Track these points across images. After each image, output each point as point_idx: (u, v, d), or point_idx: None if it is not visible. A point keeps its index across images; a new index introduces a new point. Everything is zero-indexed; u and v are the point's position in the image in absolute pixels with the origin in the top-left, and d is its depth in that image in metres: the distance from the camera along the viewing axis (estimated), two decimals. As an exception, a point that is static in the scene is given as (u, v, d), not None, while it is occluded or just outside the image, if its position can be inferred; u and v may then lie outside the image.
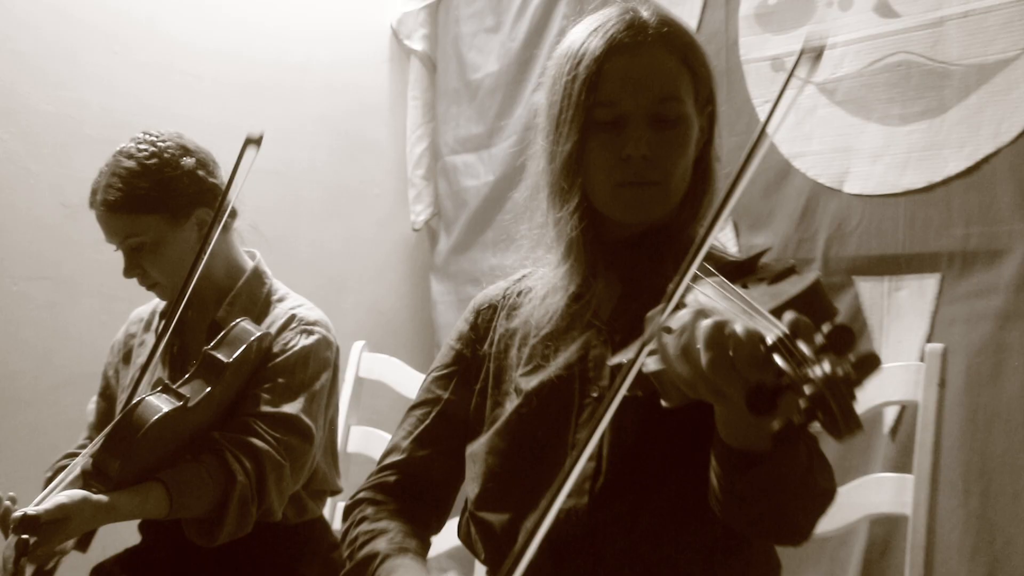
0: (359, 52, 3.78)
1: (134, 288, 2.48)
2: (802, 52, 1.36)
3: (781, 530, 1.49)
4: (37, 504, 1.98)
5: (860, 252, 2.65)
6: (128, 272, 2.30)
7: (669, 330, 1.33)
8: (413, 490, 1.75)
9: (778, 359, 1.09)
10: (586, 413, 1.59)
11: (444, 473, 1.77)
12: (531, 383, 1.65)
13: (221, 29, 3.41)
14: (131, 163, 2.23)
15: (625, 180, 1.58)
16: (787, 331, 1.10)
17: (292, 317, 2.31)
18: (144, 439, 2.03)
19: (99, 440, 2.07)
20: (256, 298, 2.36)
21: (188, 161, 2.28)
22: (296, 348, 2.26)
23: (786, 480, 1.34)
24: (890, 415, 2.54)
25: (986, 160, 2.44)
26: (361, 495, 1.77)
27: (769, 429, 1.11)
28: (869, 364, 1.03)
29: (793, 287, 1.32)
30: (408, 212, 3.85)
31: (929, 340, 2.46)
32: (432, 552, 2.55)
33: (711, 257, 1.47)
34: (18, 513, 1.92)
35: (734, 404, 1.21)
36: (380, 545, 1.65)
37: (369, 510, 1.72)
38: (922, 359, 2.01)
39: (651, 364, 1.32)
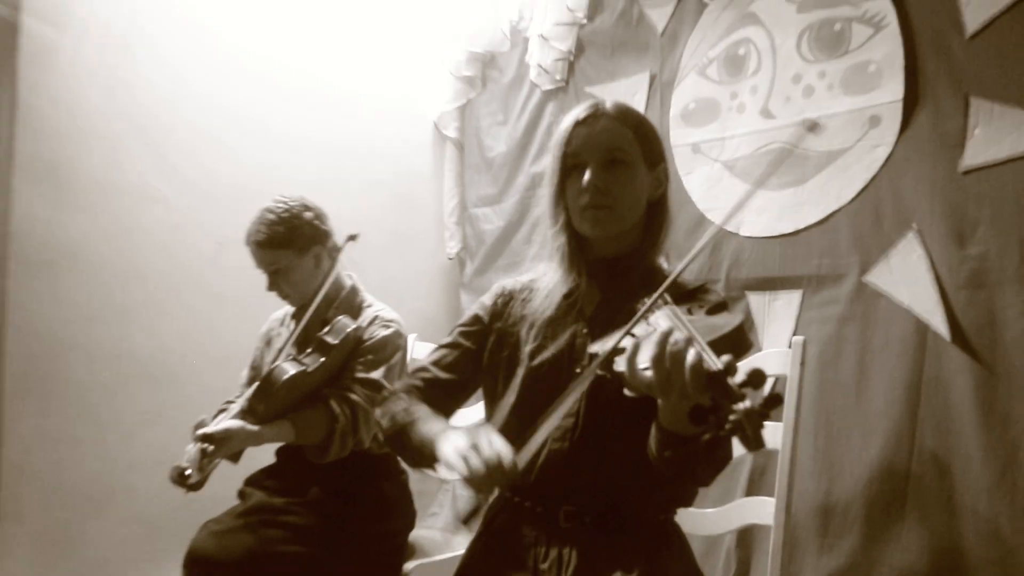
0: (412, 138, 3.73)
1: (265, 301, 2.54)
2: (802, 128, 1.38)
3: (692, 481, 1.56)
4: (214, 425, 2.09)
5: (750, 275, 2.64)
6: (270, 287, 2.37)
7: (633, 335, 1.33)
8: (433, 395, 1.72)
9: (713, 390, 1.09)
10: (574, 382, 1.52)
11: (454, 393, 1.75)
12: (536, 360, 1.63)
13: (313, 122, 3.34)
14: (272, 216, 2.31)
15: (587, 205, 1.60)
16: (723, 367, 1.09)
17: (376, 317, 2.34)
18: (279, 390, 2.15)
19: (251, 390, 2.19)
20: (352, 304, 2.39)
21: (308, 214, 2.35)
22: (379, 336, 2.30)
23: (698, 454, 1.34)
24: (769, 384, 2.41)
25: (832, 215, 2.46)
26: (397, 387, 1.76)
27: (701, 435, 1.08)
28: (774, 402, 1.04)
29: (725, 324, 1.31)
30: (445, 247, 3.82)
31: (794, 334, 2.47)
32: (447, 474, 2.64)
33: (672, 289, 1.42)
34: (201, 431, 2.04)
35: (678, 408, 1.25)
36: (418, 412, 1.66)
37: (405, 396, 1.72)
38: (790, 347, 2.03)
39: (620, 364, 1.30)
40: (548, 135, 3.44)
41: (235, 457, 2.25)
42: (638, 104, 3.03)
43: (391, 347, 2.32)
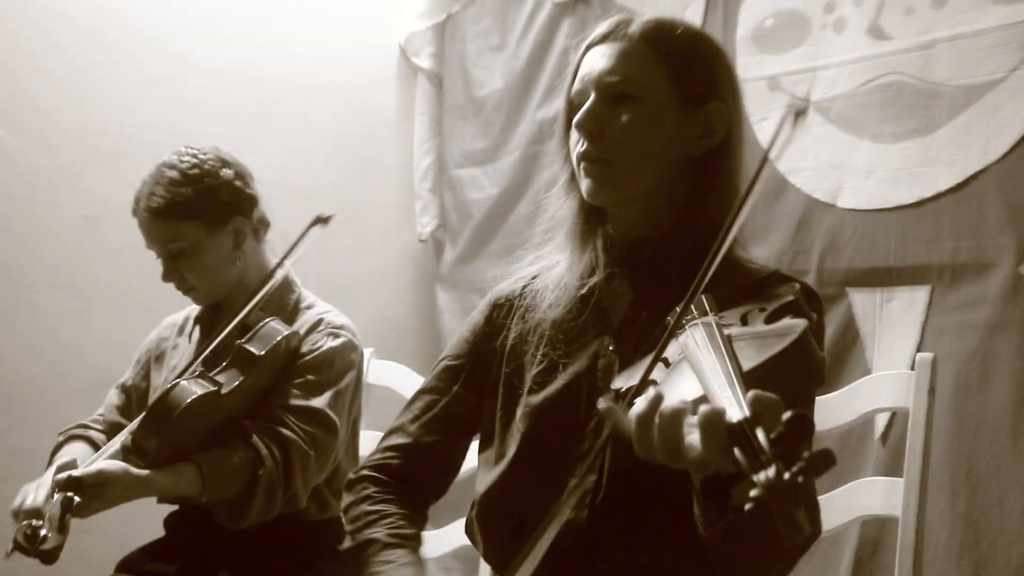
0: (368, 70, 3.79)
1: (151, 296, 2.55)
2: (786, 114, 1.33)
3: (759, 567, 1.47)
4: (83, 467, 2.05)
5: (853, 264, 2.66)
6: (166, 276, 2.34)
7: (667, 361, 1.34)
8: (414, 474, 1.74)
9: (736, 450, 1.03)
10: (592, 423, 1.57)
11: (446, 462, 1.78)
12: (543, 393, 1.63)
13: (233, 50, 3.42)
14: (174, 173, 2.28)
15: (579, 155, 1.61)
16: (749, 414, 1.04)
17: (320, 321, 2.36)
18: (179, 419, 2.09)
19: (138, 420, 2.14)
20: (286, 303, 2.40)
21: (227, 172, 2.33)
22: (323, 348, 2.31)
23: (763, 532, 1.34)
24: (881, 421, 2.54)
25: (975, 177, 2.46)
26: (364, 472, 1.76)
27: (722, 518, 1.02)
28: (822, 463, 0.95)
29: (777, 340, 1.28)
30: (415, 224, 3.87)
31: (919, 349, 2.47)
32: (438, 551, 2.61)
33: (726, 264, 1.42)
34: (63, 475, 1.97)
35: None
36: (379, 533, 1.65)
37: (372, 489, 1.73)
38: (913, 367, 1.99)
39: (632, 411, 1.26)
40: (562, 65, 3.47)
41: (51, 556, 2.10)
42: (691, 20, 3.04)
43: (340, 363, 2.33)
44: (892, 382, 2.05)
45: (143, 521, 2.40)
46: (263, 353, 2.21)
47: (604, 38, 1.63)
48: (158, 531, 2.44)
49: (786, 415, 0.99)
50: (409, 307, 3.82)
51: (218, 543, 2.27)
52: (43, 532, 1.95)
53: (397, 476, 1.74)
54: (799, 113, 1.34)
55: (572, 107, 1.64)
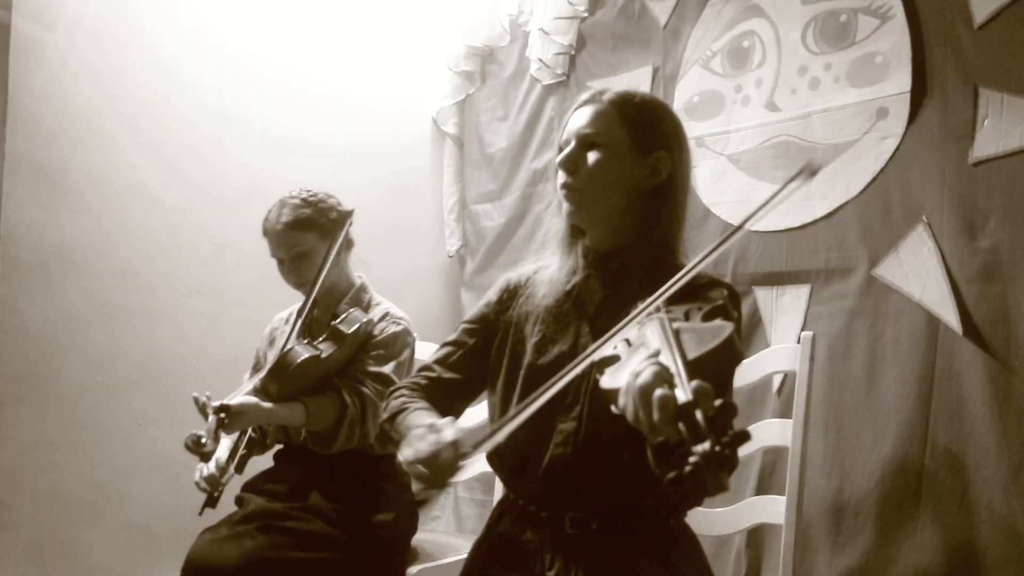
0: (410, 134, 3.74)
1: (265, 303, 2.56)
2: (802, 169, 1.39)
3: (697, 498, 1.55)
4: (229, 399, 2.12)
5: (757, 270, 2.65)
6: (288, 274, 2.37)
7: (628, 342, 1.32)
8: (436, 394, 1.72)
9: (680, 424, 1.02)
10: (572, 385, 1.54)
11: (459, 392, 1.75)
12: (539, 360, 1.62)
13: (311, 122, 3.36)
14: (297, 200, 2.36)
15: (562, 187, 1.62)
16: (691, 398, 1.03)
17: (387, 313, 2.38)
18: (293, 372, 2.19)
19: (265, 370, 2.22)
20: (361, 301, 2.42)
21: (332, 201, 2.41)
22: (389, 332, 2.34)
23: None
24: (777, 380, 2.55)
25: (840, 208, 2.47)
26: (402, 385, 1.76)
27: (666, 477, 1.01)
28: (740, 439, 0.97)
29: (715, 336, 1.24)
30: (444, 244, 3.83)
31: (803, 329, 2.48)
32: (463, 475, 2.67)
33: (675, 271, 1.39)
34: (217, 403, 2.07)
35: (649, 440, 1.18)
36: (412, 404, 1.66)
37: (406, 392, 1.72)
38: (799, 342, 2.04)
39: (605, 380, 1.28)
40: (549, 130, 3.47)
41: (240, 466, 2.27)
42: None
43: (401, 343, 2.35)
44: (785, 352, 2.11)
45: (259, 457, 2.44)
46: (350, 332, 2.26)
47: (585, 103, 1.64)
48: (270, 463, 2.46)
49: (718, 402, 1.00)
50: (442, 305, 3.79)
51: (310, 471, 2.31)
52: (204, 440, 2.03)
53: (423, 392, 1.73)
54: (812, 173, 1.38)
55: (560, 152, 1.65)
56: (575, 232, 1.69)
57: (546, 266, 1.73)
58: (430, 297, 3.77)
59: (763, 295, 2.66)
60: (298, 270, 2.37)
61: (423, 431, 1.41)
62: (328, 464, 2.30)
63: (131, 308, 2.92)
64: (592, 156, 1.59)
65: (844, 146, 2.48)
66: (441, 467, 1.34)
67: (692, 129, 2.88)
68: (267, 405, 2.14)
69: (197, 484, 2.22)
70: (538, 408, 1.41)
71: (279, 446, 2.46)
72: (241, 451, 2.28)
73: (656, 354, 1.19)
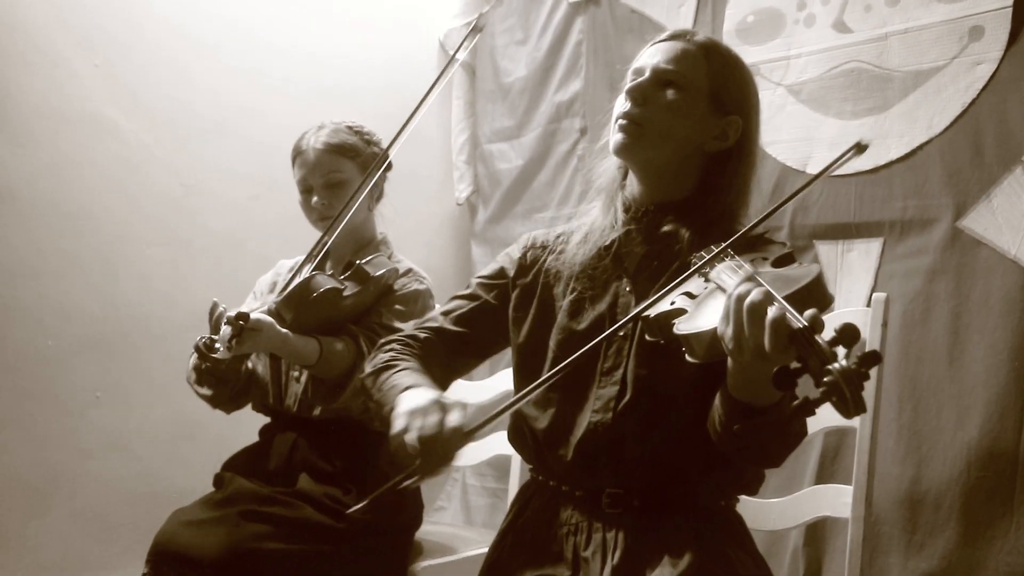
0: (413, 60, 3.74)
1: (237, 252, 2.59)
2: (854, 146, 1.48)
3: (761, 460, 1.57)
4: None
5: (819, 221, 2.65)
6: (314, 207, 2.42)
7: (691, 295, 1.41)
8: (434, 350, 1.77)
9: (799, 347, 1.13)
10: (614, 347, 1.62)
11: (464, 349, 1.81)
12: (573, 323, 1.68)
13: (302, 39, 3.39)
14: (344, 126, 2.46)
15: (620, 114, 1.65)
16: (807, 324, 1.14)
17: (410, 270, 2.45)
18: (313, 300, 2.21)
19: (281, 294, 2.24)
20: (384, 254, 2.47)
21: (378, 138, 2.52)
22: (413, 288, 2.40)
23: (772, 429, 1.39)
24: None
25: (920, 148, 2.46)
26: (397, 336, 1.81)
27: (779, 396, 1.17)
28: (873, 359, 1.07)
29: (802, 276, 1.33)
30: (453, 190, 3.84)
31: (874, 291, 2.47)
32: (475, 460, 2.66)
33: (728, 229, 1.52)
34: (235, 312, 2.07)
35: (756, 372, 1.28)
36: (399, 361, 1.70)
37: (397, 346, 1.77)
38: (869, 305, 2.02)
39: (681, 326, 1.36)
40: (575, 56, 3.48)
41: (218, 364, 2.22)
42: (684, 17, 3.04)
43: (423, 303, 2.41)
44: (852, 317, 1.98)
45: (238, 432, 2.45)
46: (376, 275, 2.30)
47: (672, 37, 1.69)
48: (254, 437, 2.47)
49: (839, 324, 1.10)
50: (450, 259, 3.82)
51: (300, 448, 2.33)
52: (217, 345, 2.06)
53: (421, 346, 1.78)
54: (861, 148, 1.47)
55: (632, 81, 1.68)
56: (621, 179, 1.75)
57: (579, 225, 1.78)
58: (435, 251, 3.79)
59: (827, 251, 2.67)
60: (329, 200, 2.42)
61: (428, 404, 1.45)
62: (321, 440, 2.33)
63: (86, 258, 2.93)
64: (668, 94, 1.64)
65: (928, 73, 2.47)
66: (440, 450, 1.40)
67: (746, 55, 2.79)
68: (282, 331, 2.16)
69: (196, 345, 2.16)
70: (571, 374, 1.51)
71: (264, 419, 2.48)
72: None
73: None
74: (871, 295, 2.05)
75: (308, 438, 2.34)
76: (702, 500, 1.64)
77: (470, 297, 1.83)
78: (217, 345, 2.07)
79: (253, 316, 2.10)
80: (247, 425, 2.46)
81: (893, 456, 2.44)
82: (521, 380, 1.76)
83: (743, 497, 1.73)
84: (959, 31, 2.40)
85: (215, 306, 2.14)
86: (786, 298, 1.23)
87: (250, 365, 2.44)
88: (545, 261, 1.78)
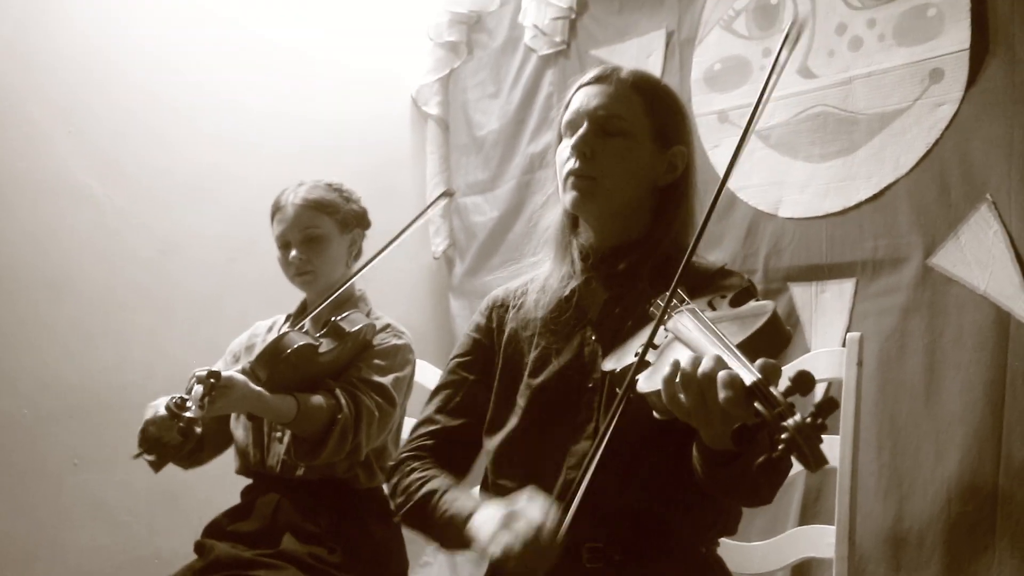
0: (387, 117, 3.76)
1: (216, 315, 2.58)
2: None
3: (752, 500, 1.57)
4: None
5: (792, 263, 2.65)
6: (292, 262, 2.43)
7: (655, 346, 1.40)
8: (447, 452, 1.77)
9: (756, 404, 1.11)
10: (585, 397, 1.61)
11: (472, 439, 1.78)
12: (541, 376, 1.66)
13: (274, 102, 3.40)
14: (323, 184, 2.49)
15: (570, 170, 1.65)
16: (760, 376, 1.13)
17: (388, 325, 2.47)
18: (286, 358, 2.22)
19: (256, 354, 2.25)
20: (361, 310, 2.48)
21: (357, 196, 2.56)
22: (391, 343, 2.42)
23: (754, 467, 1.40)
24: (820, 389, 2.43)
25: (888, 188, 2.47)
26: (405, 455, 1.79)
27: (751, 460, 1.10)
28: (828, 407, 1.06)
29: (756, 316, 1.34)
30: (430, 244, 3.84)
31: (848, 330, 2.47)
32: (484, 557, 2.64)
33: (687, 277, 1.48)
34: (205, 370, 2.07)
35: (716, 429, 1.26)
36: (437, 483, 1.69)
37: (416, 463, 1.75)
38: (844, 345, 2.04)
39: (643, 384, 1.35)
40: (547, 108, 3.49)
41: (189, 426, 2.14)
42: (652, 67, 3.05)
43: (402, 357, 2.43)
44: (828, 357, 2.10)
45: (222, 495, 2.43)
46: (352, 331, 2.31)
47: (598, 80, 1.69)
48: (236, 499, 2.45)
49: (793, 373, 1.09)
50: (427, 313, 3.80)
51: (283, 508, 2.32)
52: (188, 404, 2.04)
53: (433, 453, 1.77)
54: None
55: (562, 133, 1.70)
56: (571, 228, 1.74)
57: (536, 275, 1.79)
58: (414, 306, 3.78)
59: (800, 292, 2.67)
60: (307, 255, 2.44)
61: (504, 519, 1.44)
62: (305, 500, 2.33)
63: (63, 325, 2.93)
64: (612, 143, 1.65)
65: (892, 115, 2.48)
66: (542, 554, 1.39)
67: (713, 102, 2.90)
68: (256, 388, 2.16)
69: (143, 430, 2.16)
70: (545, 430, 1.57)
71: (246, 481, 2.47)
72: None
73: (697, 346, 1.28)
74: (846, 335, 2.05)
75: (292, 498, 2.33)
76: (683, 547, 1.63)
77: (456, 384, 1.82)
78: (188, 403, 2.06)
79: (224, 374, 2.10)
80: (229, 488, 2.44)
81: (875, 494, 2.44)
82: (489, 440, 1.74)
83: (727, 541, 1.73)
84: (920, 74, 2.43)
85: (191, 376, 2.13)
86: (740, 346, 1.23)
87: (232, 425, 2.44)
88: (507, 319, 1.78)
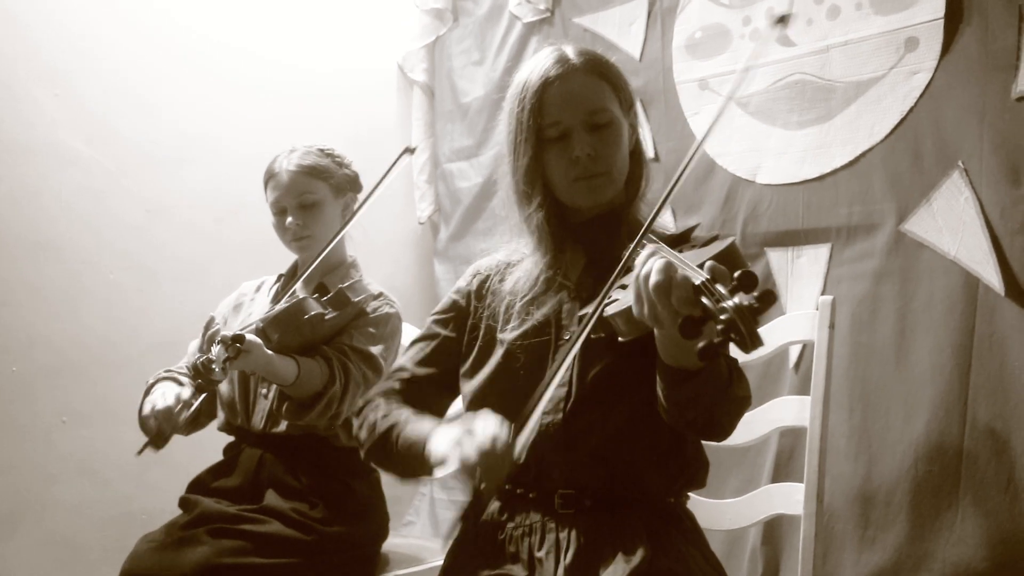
0: (372, 84, 3.75)
1: (202, 278, 2.60)
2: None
3: (711, 428, 1.57)
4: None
5: (770, 229, 2.68)
6: (287, 229, 2.45)
7: (624, 286, 1.45)
8: (414, 397, 1.79)
9: (703, 299, 1.18)
10: (561, 350, 1.63)
11: (439, 389, 1.82)
12: (517, 332, 1.70)
13: (259, 69, 3.38)
14: (316, 150, 2.50)
15: (579, 176, 1.68)
16: (708, 276, 1.20)
17: (381, 293, 2.48)
18: (300, 325, 2.26)
19: (270, 315, 2.26)
20: (352, 277, 2.50)
21: (349, 161, 2.58)
22: (383, 312, 2.43)
23: (712, 388, 1.44)
24: (794, 353, 2.58)
25: (863, 155, 2.49)
26: (372, 395, 1.82)
27: (694, 349, 1.15)
28: (769, 298, 1.12)
29: (713, 249, 1.40)
30: (415, 209, 3.84)
31: (822, 294, 2.44)
32: (440, 472, 2.67)
33: (655, 234, 1.54)
34: (230, 332, 2.09)
35: (670, 332, 1.31)
36: (399, 415, 1.72)
37: (381, 401, 1.78)
38: (817, 308, 2.05)
39: (610, 309, 1.43)
40: None
41: (212, 384, 2.27)
42: (635, 35, 3.07)
43: (392, 327, 2.44)
44: (802, 320, 2.11)
45: (205, 453, 2.44)
46: (355, 300, 2.34)
47: (559, 77, 1.67)
48: (219, 456, 2.45)
49: (736, 272, 1.16)
50: (412, 277, 3.82)
51: (265, 465, 2.34)
52: (213, 366, 2.09)
53: (400, 396, 1.81)
54: (781, 19, 1.53)
55: (543, 138, 1.67)
56: (562, 216, 1.74)
57: (517, 255, 1.80)
58: (399, 270, 3.79)
59: (777, 257, 2.69)
60: (303, 221, 2.45)
61: (462, 433, 1.46)
62: (288, 456, 2.35)
63: (50, 287, 2.92)
64: (604, 134, 1.69)
65: (867, 83, 2.50)
66: (501, 461, 1.41)
67: (694, 70, 2.91)
68: (268, 352, 2.17)
69: (145, 420, 2.22)
70: (520, 380, 1.61)
71: (228, 438, 2.47)
72: (196, 406, 2.29)
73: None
74: (820, 299, 2.06)
75: (275, 454, 2.35)
76: (653, 496, 1.67)
77: (430, 337, 1.85)
78: (213, 366, 2.09)
79: (248, 338, 2.11)
80: (214, 445, 2.45)
81: (845, 455, 2.47)
82: (474, 398, 1.74)
83: (700, 499, 1.76)
84: (895, 42, 2.44)
85: (211, 322, 2.19)
86: (699, 265, 1.28)
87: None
88: (490, 287, 1.81)
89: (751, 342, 1.10)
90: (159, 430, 2.19)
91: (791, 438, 2.56)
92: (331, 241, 2.40)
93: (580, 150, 1.66)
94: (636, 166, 1.77)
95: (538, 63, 1.70)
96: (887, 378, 2.44)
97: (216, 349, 2.10)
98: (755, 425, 2.11)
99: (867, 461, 2.44)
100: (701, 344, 1.13)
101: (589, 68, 1.70)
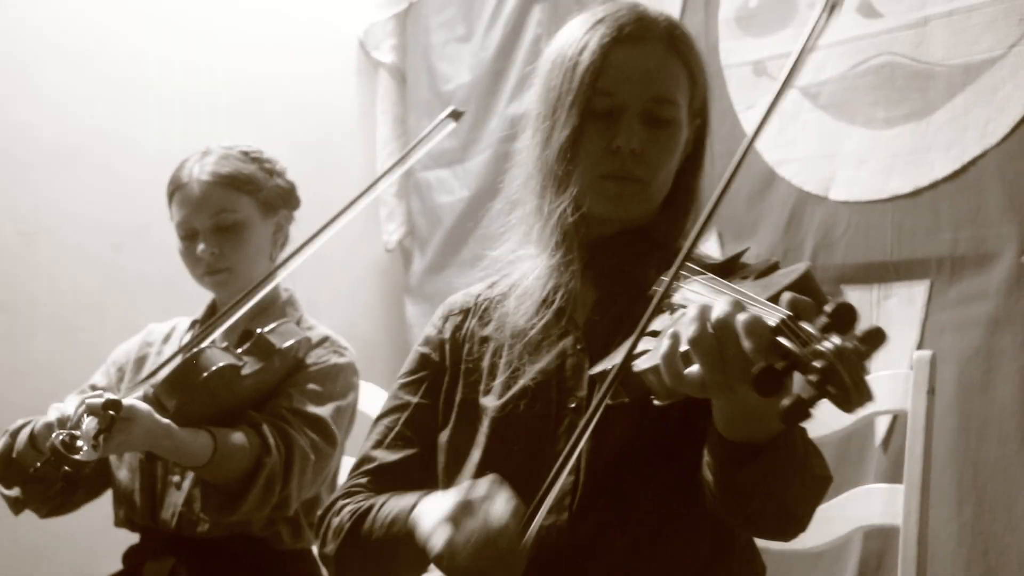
0: (324, 65, 3.80)
1: (93, 319, 2.57)
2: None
3: (781, 521, 1.52)
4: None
5: (848, 260, 2.67)
6: (199, 258, 2.40)
7: (655, 333, 1.37)
8: (386, 491, 1.75)
9: (784, 341, 1.12)
10: (565, 423, 1.62)
11: (422, 472, 1.77)
12: (506, 395, 1.67)
13: (181, 42, 3.42)
14: (236, 152, 2.46)
15: (611, 172, 1.64)
16: (789, 312, 1.14)
17: (326, 338, 2.45)
18: (203, 383, 2.18)
19: (162, 375, 2.20)
20: (291, 320, 2.46)
21: (283, 167, 2.54)
22: (330, 363, 2.40)
23: (784, 468, 1.38)
24: (882, 426, 2.56)
25: (973, 162, 2.47)
26: (337, 498, 1.78)
27: (773, 411, 1.12)
28: (876, 337, 1.06)
29: (784, 278, 1.34)
30: (380, 232, 3.88)
31: (920, 347, 2.48)
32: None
33: (695, 262, 1.49)
34: (102, 398, 1.99)
35: (739, 396, 1.25)
36: (378, 499, 1.69)
37: (347, 501, 1.74)
38: (912, 367, 2.02)
39: (641, 363, 1.35)
40: (533, 56, 3.41)
41: (79, 471, 2.14)
42: (671, 6, 3.06)
43: (344, 381, 2.43)
44: (890, 383, 2.06)
45: (97, 558, 2.43)
46: (282, 347, 2.29)
47: (633, 36, 1.64)
48: (115, 566, 2.44)
49: (828, 306, 1.09)
50: (376, 322, 3.84)
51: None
52: (79, 443, 1.98)
53: (368, 489, 1.76)
54: (834, 5, 1.50)
55: (591, 108, 1.63)
56: (577, 226, 1.69)
57: (511, 285, 1.77)
58: (359, 311, 3.84)
59: (858, 298, 2.68)
60: (220, 248, 2.40)
61: (457, 506, 1.44)
62: (208, 564, 2.33)
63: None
64: (661, 135, 1.66)
65: (979, 67, 2.48)
66: (498, 563, 1.39)
67: (747, 49, 2.94)
68: (164, 421, 2.13)
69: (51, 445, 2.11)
70: (515, 465, 1.57)
71: (129, 540, 2.46)
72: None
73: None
74: (915, 354, 2.04)
75: (191, 564, 2.32)
76: None
77: (398, 409, 1.81)
78: (80, 443, 2.01)
79: (126, 403, 2.05)
80: (107, 548, 2.43)
81: (953, 563, 2.44)
82: (447, 478, 1.73)
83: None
84: (1017, 13, 2.41)
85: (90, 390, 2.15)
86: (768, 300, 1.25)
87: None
88: (468, 330, 1.80)
89: (858, 395, 1.04)
90: (55, 451, 2.07)
91: (879, 540, 2.54)
92: (268, 280, 2.33)
93: (625, 140, 1.62)
94: (681, 191, 1.74)
95: (613, 11, 1.67)
96: (1008, 460, 2.40)
97: (86, 421, 2.02)
98: (831, 523, 2.06)
99: (983, 572, 2.41)
100: (786, 403, 1.08)
101: (676, 45, 1.67)
